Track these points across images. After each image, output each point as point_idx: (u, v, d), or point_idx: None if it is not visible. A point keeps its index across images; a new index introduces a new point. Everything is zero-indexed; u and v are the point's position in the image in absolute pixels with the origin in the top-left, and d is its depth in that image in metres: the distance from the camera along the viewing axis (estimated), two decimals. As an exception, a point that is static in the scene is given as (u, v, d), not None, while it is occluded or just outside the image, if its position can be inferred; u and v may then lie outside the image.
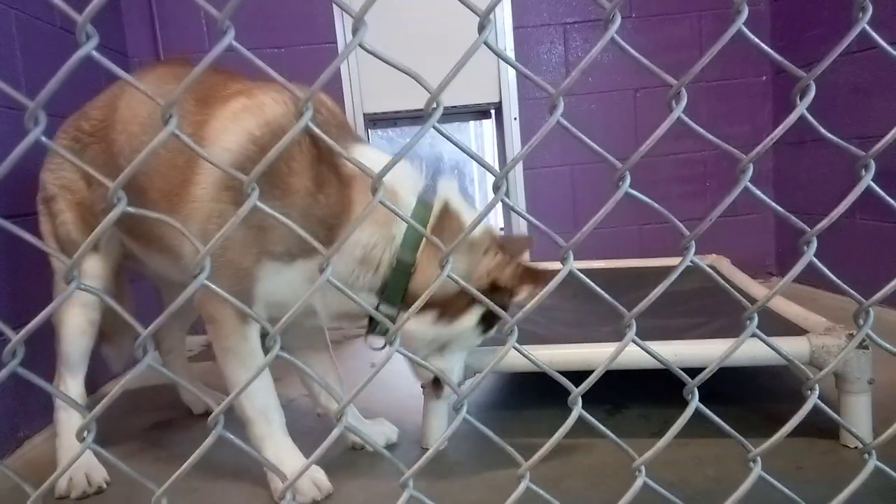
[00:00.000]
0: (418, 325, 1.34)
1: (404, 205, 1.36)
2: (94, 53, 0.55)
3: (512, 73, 2.93)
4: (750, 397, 1.73)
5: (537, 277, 1.34)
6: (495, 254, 1.36)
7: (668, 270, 0.63)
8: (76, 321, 1.54)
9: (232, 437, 0.67)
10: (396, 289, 1.34)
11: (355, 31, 0.58)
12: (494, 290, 1.33)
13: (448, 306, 1.33)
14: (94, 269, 1.56)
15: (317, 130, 0.63)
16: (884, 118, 2.38)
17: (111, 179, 0.58)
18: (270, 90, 1.38)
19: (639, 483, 0.69)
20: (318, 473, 1.38)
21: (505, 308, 1.34)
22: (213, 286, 0.65)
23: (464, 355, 1.47)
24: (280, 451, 1.37)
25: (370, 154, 1.41)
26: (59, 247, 1.56)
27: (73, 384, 1.56)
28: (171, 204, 1.37)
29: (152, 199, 1.40)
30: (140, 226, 1.50)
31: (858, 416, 1.41)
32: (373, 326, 1.43)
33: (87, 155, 1.54)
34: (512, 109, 2.96)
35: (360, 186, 1.31)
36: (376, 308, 1.36)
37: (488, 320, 1.39)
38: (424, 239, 1.34)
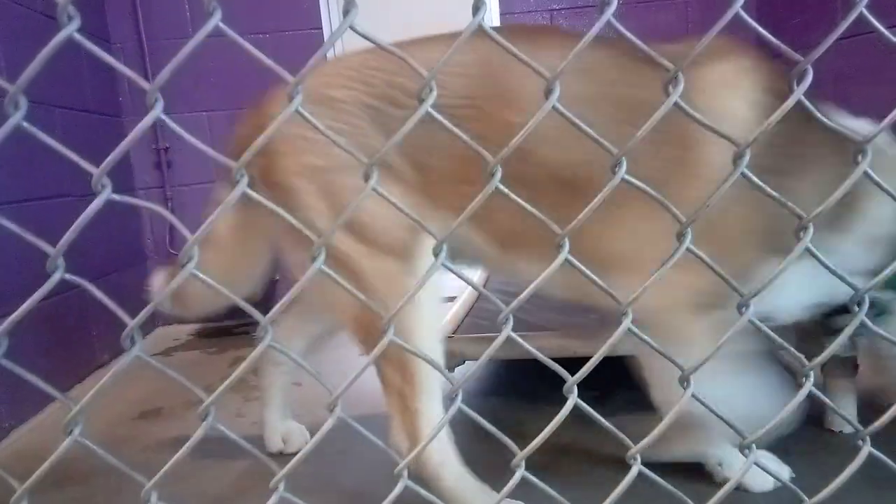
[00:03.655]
0: None
1: None
2: (76, 35, 0.53)
3: (499, 59, 2.91)
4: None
5: None
6: None
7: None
8: None
9: (224, 428, 0.66)
10: None
11: (346, 12, 0.56)
12: None
13: None
14: None
15: (308, 117, 0.61)
16: (866, 106, 2.38)
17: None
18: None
19: (634, 472, 0.69)
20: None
21: None
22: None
23: None
24: None
25: None
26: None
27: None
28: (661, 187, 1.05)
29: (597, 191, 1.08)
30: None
31: (844, 401, 1.43)
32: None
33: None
34: (499, 96, 2.94)
35: None
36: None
37: None
38: None
